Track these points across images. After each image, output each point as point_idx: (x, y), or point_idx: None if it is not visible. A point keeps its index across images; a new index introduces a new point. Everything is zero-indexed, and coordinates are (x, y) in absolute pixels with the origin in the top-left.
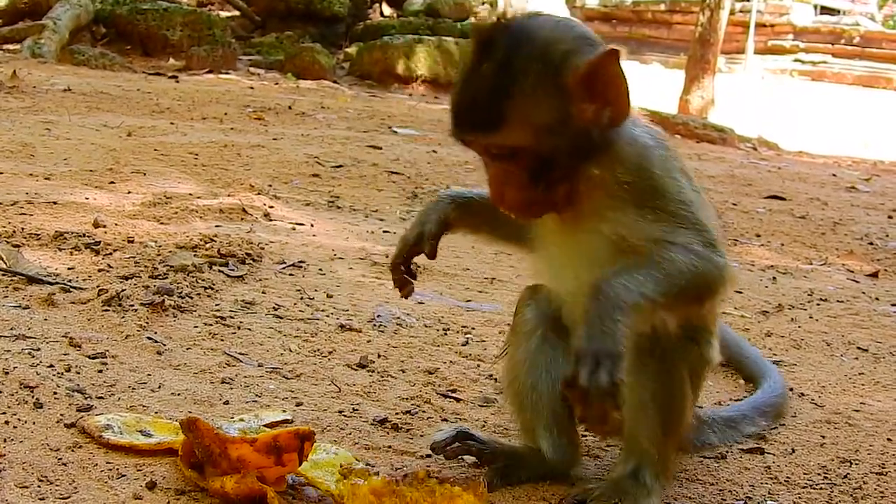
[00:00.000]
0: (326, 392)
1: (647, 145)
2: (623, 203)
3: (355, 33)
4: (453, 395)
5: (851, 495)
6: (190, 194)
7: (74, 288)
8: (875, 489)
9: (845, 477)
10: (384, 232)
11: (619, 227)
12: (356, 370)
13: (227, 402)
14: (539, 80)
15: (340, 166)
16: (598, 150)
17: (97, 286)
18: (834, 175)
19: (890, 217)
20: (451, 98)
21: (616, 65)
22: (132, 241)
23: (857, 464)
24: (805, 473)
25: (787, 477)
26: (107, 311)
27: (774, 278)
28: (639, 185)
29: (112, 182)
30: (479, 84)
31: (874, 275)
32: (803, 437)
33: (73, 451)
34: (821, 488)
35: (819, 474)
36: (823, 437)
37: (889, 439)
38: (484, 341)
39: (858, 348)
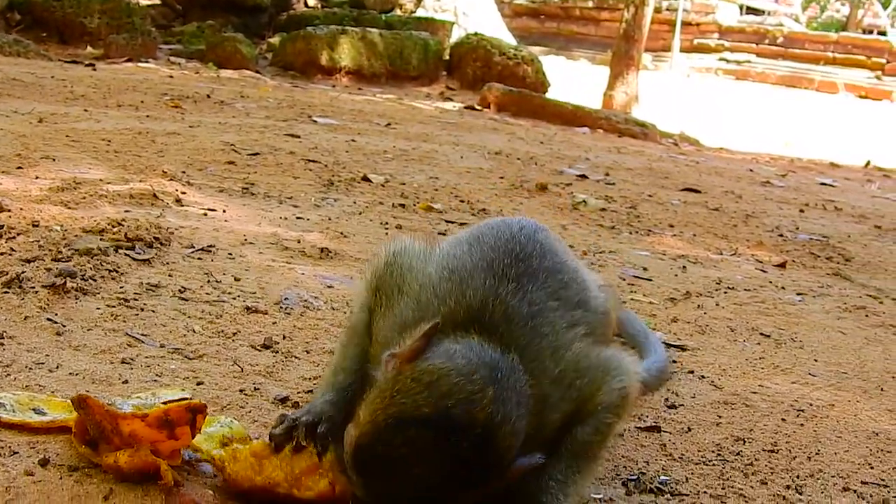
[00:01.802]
0: (228, 372)
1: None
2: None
3: (279, 23)
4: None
5: (742, 471)
6: (100, 180)
7: None
8: (766, 465)
9: (738, 454)
10: (297, 218)
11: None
12: (260, 351)
13: (125, 382)
14: (482, 488)
15: (257, 154)
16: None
17: None
18: (751, 170)
19: (801, 211)
20: (378, 462)
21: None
22: (37, 225)
23: (750, 442)
24: (699, 451)
25: (682, 454)
26: (6, 293)
27: (684, 267)
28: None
29: (20, 167)
30: (425, 485)
31: (782, 265)
32: (700, 416)
33: None
34: (713, 464)
35: (713, 451)
36: (720, 416)
37: (783, 419)
38: None
39: (761, 334)
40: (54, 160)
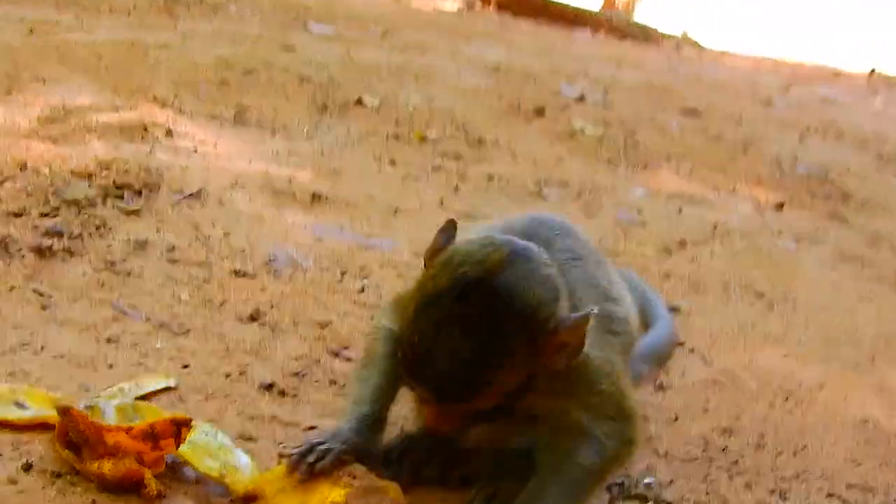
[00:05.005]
0: (215, 350)
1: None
2: (555, 394)
3: None
4: (345, 352)
5: (727, 471)
6: (90, 106)
7: None
8: (751, 464)
9: (724, 450)
10: (289, 152)
11: (545, 410)
12: (247, 324)
13: (111, 366)
14: (522, 354)
15: (250, 71)
16: (543, 379)
17: None
18: (753, 83)
19: (802, 137)
20: (413, 346)
21: (587, 326)
22: (24, 169)
23: (737, 434)
24: (685, 444)
25: (667, 450)
26: None
27: (680, 209)
28: (574, 382)
29: (8, 92)
30: (458, 361)
31: (780, 206)
32: (688, 401)
33: None
34: (699, 462)
35: (699, 446)
36: (708, 401)
37: (771, 404)
38: (381, 287)
39: (755, 292)
40: (44, 82)
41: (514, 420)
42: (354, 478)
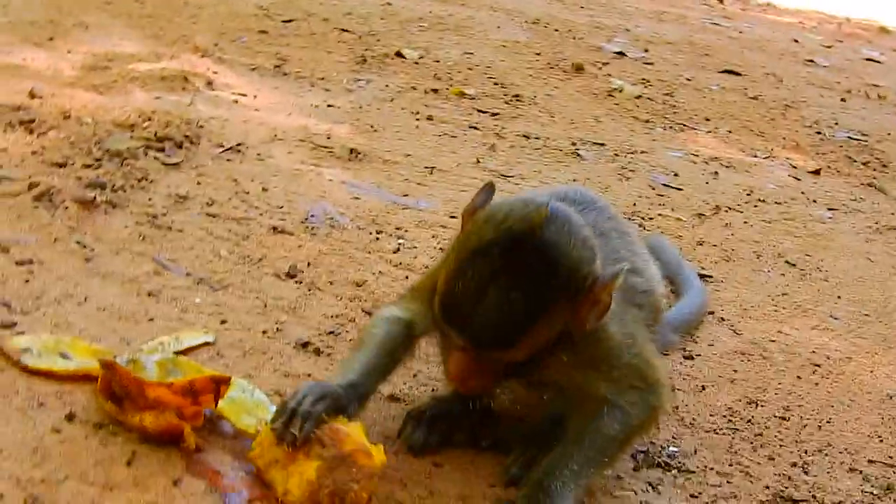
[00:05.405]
0: (252, 307)
1: (607, 324)
2: (577, 363)
3: None
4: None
5: (751, 443)
6: (132, 55)
7: (5, 178)
8: (775, 436)
9: (749, 421)
10: (328, 106)
11: (570, 382)
12: (284, 280)
13: (151, 319)
14: (561, 306)
15: (291, 21)
16: (568, 340)
17: (29, 176)
18: (795, 41)
19: (843, 100)
20: (456, 296)
21: (616, 284)
22: (68, 118)
23: (762, 405)
24: (711, 415)
25: (693, 419)
26: (37, 207)
27: (716, 173)
28: (595, 355)
29: (52, 38)
30: (503, 309)
31: (817, 172)
32: (716, 371)
33: None
34: (723, 433)
35: (724, 417)
36: (735, 371)
37: (798, 376)
38: (415, 247)
39: (787, 262)
40: (87, 28)
41: (543, 391)
42: (324, 447)
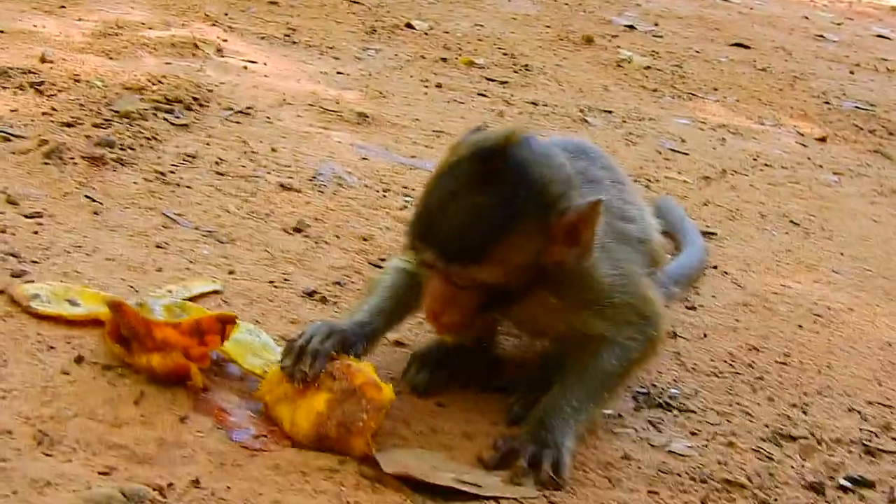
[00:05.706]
0: (259, 259)
1: (594, 263)
2: (570, 306)
3: None
4: (384, 264)
5: (751, 385)
6: (142, 23)
7: (15, 136)
8: (775, 379)
9: (749, 366)
10: (338, 73)
11: (567, 325)
12: (292, 235)
13: (160, 270)
14: (530, 224)
15: None
16: (551, 279)
17: (38, 135)
18: (806, 18)
19: (851, 72)
20: (426, 209)
21: (598, 215)
22: (78, 81)
23: (764, 351)
24: (712, 360)
25: (695, 364)
26: (47, 164)
27: (723, 139)
28: (587, 297)
29: (63, 6)
30: (470, 215)
31: (823, 139)
32: (718, 320)
33: (4, 320)
34: (724, 376)
35: (725, 361)
36: (737, 321)
37: (800, 325)
38: None
39: (791, 222)
40: None
41: (544, 338)
42: (335, 379)
